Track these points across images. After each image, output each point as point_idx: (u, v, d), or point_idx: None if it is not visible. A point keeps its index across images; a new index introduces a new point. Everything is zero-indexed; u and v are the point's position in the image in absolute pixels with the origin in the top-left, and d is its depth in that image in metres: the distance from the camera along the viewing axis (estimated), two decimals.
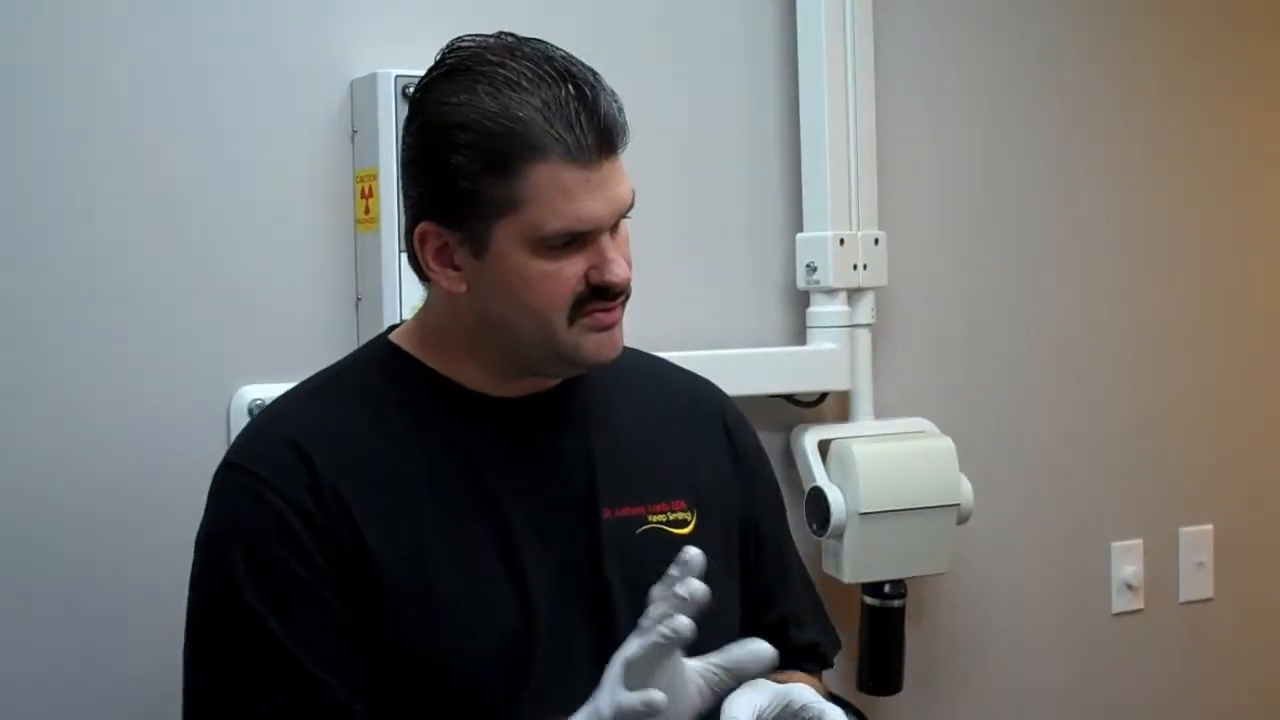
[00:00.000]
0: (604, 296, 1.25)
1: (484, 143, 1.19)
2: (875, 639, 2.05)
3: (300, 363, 1.46)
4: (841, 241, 2.02)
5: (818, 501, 1.99)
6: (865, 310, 2.06)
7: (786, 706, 1.23)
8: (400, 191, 1.30)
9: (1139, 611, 2.37)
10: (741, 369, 1.98)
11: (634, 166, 1.92)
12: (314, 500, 1.23)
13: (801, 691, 1.25)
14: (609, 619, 1.28)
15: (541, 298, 1.23)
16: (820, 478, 2.01)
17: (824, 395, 2.07)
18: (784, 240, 2.07)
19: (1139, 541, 2.37)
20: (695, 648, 1.32)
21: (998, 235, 2.24)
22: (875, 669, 2.06)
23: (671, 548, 1.30)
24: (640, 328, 1.91)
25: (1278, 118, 2.49)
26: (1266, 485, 2.48)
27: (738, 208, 2.05)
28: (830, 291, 2.03)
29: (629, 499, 1.34)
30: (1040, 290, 2.27)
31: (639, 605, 1.27)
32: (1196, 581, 2.43)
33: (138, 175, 1.68)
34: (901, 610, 2.04)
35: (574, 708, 1.21)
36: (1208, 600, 2.43)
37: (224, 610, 1.23)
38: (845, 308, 2.03)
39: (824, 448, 2.04)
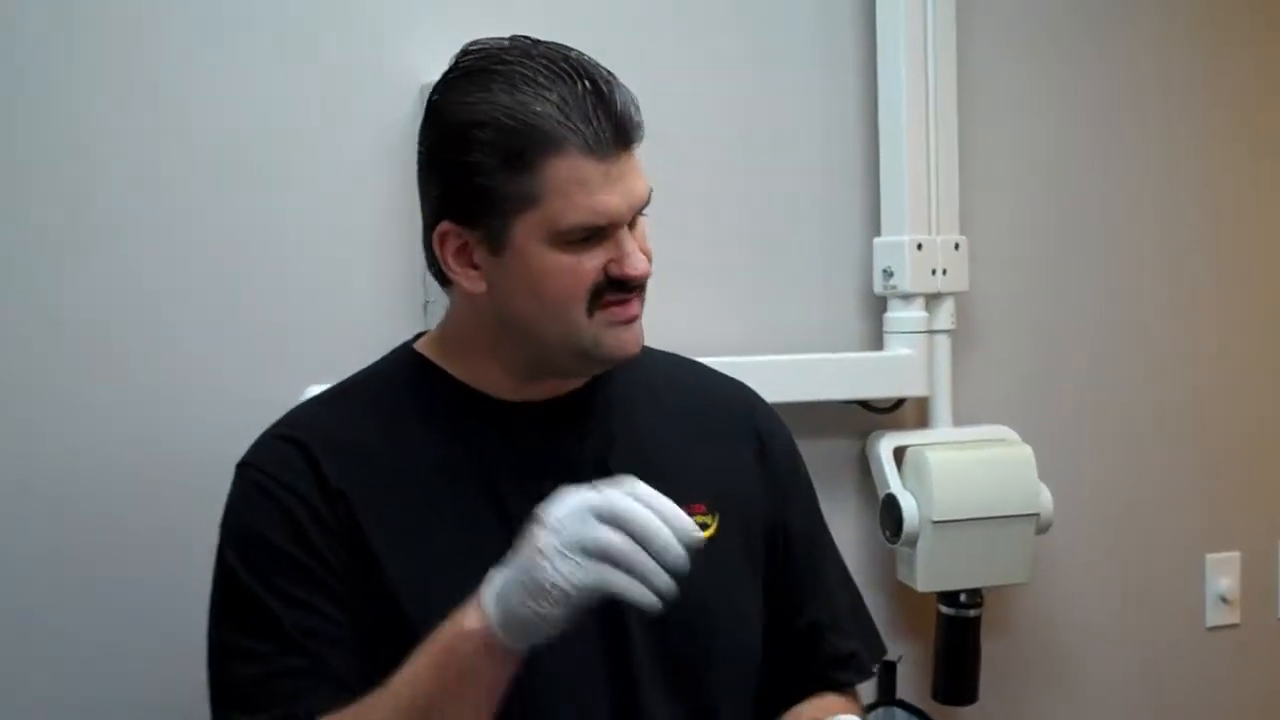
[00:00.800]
0: (622, 289, 1.26)
1: (501, 139, 1.21)
2: (950, 648, 2.03)
3: (367, 364, 1.50)
4: (919, 246, 1.99)
5: (891, 509, 1.98)
6: (945, 316, 2.03)
7: None
8: (420, 195, 1.31)
9: (1235, 626, 2.31)
10: (816, 374, 1.98)
11: (710, 169, 1.96)
12: (322, 500, 1.26)
13: None
14: (620, 623, 1.28)
15: (560, 291, 1.24)
16: (895, 484, 1.99)
17: (900, 401, 2.05)
18: (862, 245, 2.05)
19: (1236, 554, 2.30)
20: (709, 648, 1.33)
21: (1083, 240, 2.19)
22: (949, 678, 2.04)
23: (691, 554, 1.31)
24: (714, 331, 1.96)
25: None
26: None
27: (815, 211, 2.04)
28: (907, 297, 2.01)
29: None
30: (1127, 295, 2.22)
31: (655, 617, 1.28)
32: None
33: (220, 181, 1.74)
34: (978, 620, 2.02)
35: (581, 711, 1.25)
36: None
37: (232, 596, 1.27)
38: (923, 313, 2.01)
39: (900, 455, 2.02)
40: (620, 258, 1.25)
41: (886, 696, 2.07)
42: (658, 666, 1.31)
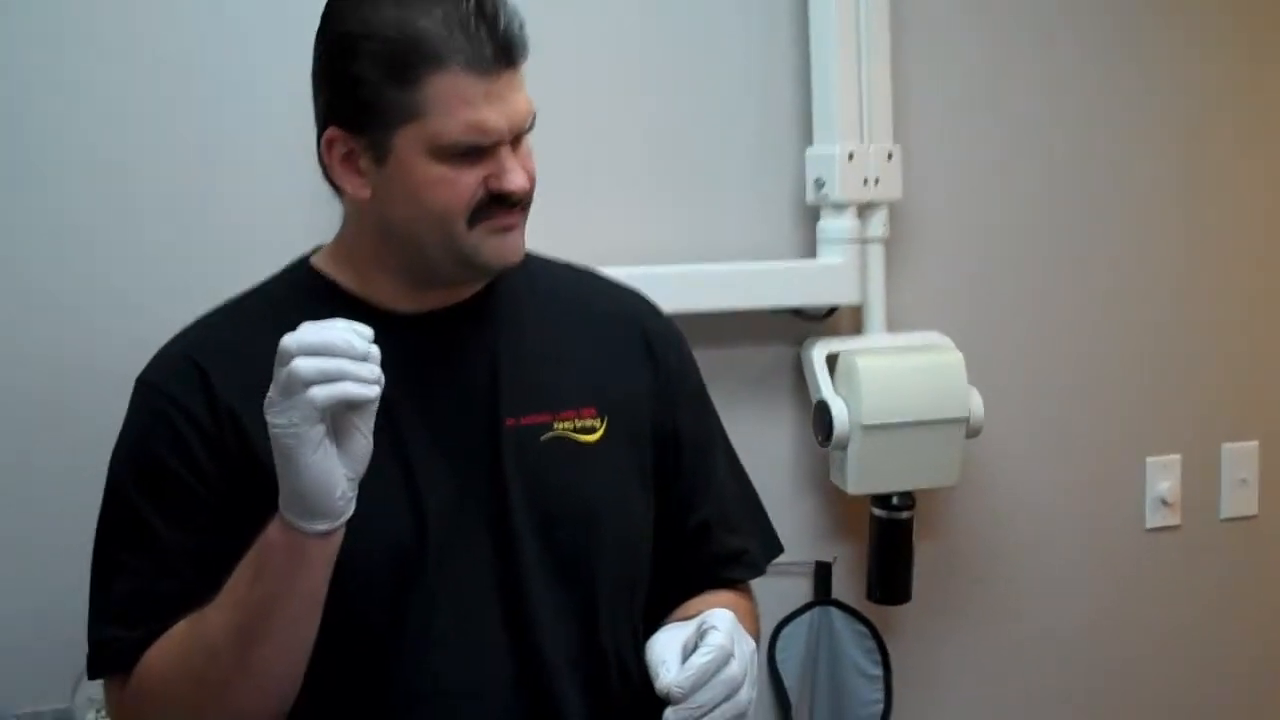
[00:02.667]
0: (503, 204, 1.30)
1: (386, 51, 1.24)
2: (883, 550, 2.08)
3: None
4: (851, 156, 2.02)
5: (822, 414, 2.02)
6: (878, 224, 2.06)
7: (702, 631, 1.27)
8: (313, 101, 1.34)
9: (1175, 528, 2.35)
10: (750, 283, 2.02)
11: (642, 80, 1.99)
12: (207, 410, 1.30)
13: (713, 615, 1.28)
14: (507, 525, 1.32)
15: (440, 203, 1.28)
16: (826, 390, 2.03)
17: (834, 309, 2.09)
18: (795, 154, 2.07)
19: (1177, 457, 2.34)
20: (595, 542, 1.38)
21: (1017, 148, 2.20)
22: (883, 579, 2.09)
23: (577, 456, 1.36)
24: (649, 240, 2.00)
25: None
26: None
27: (748, 122, 2.06)
28: (838, 206, 2.03)
29: (534, 407, 1.38)
30: (1061, 202, 2.23)
31: (539, 511, 1.33)
32: (1240, 498, 2.38)
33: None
34: (909, 522, 2.07)
35: (469, 608, 1.28)
36: (1251, 517, 2.39)
37: (113, 505, 1.33)
38: (855, 222, 2.04)
39: (833, 361, 2.06)
40: (500, 174, 1.28)
41: (822, 596, 2.13)
42: (544, 559, 1.35)
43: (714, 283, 2.00)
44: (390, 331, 1.33)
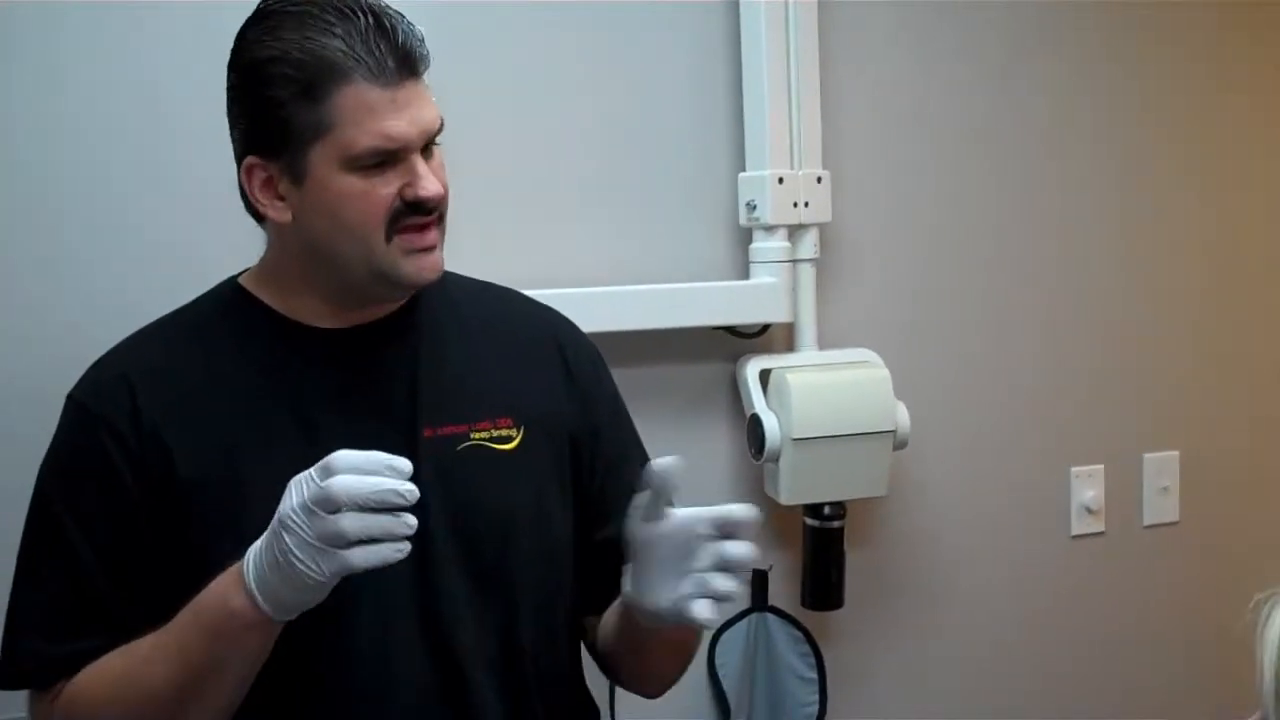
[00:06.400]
0: (418, 212, 1.36)
1: (293, 73, 1.31)
2: (816, 557, 2.17)
3: None
4: (780, 180, 2.11)
5: (755, 428, 2.11)
6: (808, 245, 2.15)
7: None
8: (230, 133, 1.41)
9: (1100, 535, 2.44)
10: (685, 302, 2.10)
11: (580, 107, 2.07)
12: (131, 428, 1.36)
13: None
14: (425, 532, 1.35)
15: (357, 216, 1.34)
16: (759, 405, 2.12)
17: (766, 328, 2.17)
18: (729, 179, 2.16)
19: (1100, 467, 2.43)
20: (512, 551, 1.44)
21: (948, 170, 2.30)
22: (816, 586, 2.17)
23: (494, 463, 1.42)
24: (588, 263, 2.08)
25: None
26: (1233, 412, 2.51)
27: (684, 147, 2.14)
28: (770, 228, 2.12)
29: (451, 417, 1.44)
30: (992, 222, 2.33)
31: (457, 518, 1.39)
32: (1161, 506, 2.48)
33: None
34: (841, 531, 2.15)
35: (388, 615, 1.35)
36: (1173, 524, 2.49)
37: (37, 518, 1.39)
38: (785, 243, 2.13)
39: (766, 377, 2.14)
40: (414, 181, 1.35)
41: (759, 603, 2.21)
42: (463, 566, 1.41)
43: (651, 303, 2.08)
44: (313, 347, 1.41)
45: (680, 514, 1.32)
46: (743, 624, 2.20)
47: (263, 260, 1.48)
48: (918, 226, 2.29)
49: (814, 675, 2.21)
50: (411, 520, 1.22)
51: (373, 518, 1.20)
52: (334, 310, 1.43)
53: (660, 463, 1.31)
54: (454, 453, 1.43)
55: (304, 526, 1.20)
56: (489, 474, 1.43)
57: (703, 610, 1.29)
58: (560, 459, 1.51)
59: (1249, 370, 2.52)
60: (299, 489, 1.22)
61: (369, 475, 1.20)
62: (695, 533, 1.31)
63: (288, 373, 1.42)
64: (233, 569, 1.27)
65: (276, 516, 1.23)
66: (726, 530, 1.31)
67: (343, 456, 1.21)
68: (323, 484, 1.20)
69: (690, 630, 1.46)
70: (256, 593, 1.24)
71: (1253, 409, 2.53)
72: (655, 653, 1.51)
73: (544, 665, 1.47)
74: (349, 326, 1.44)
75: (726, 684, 2.18)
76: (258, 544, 1.25)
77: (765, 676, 2.21)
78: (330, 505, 1.19)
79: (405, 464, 1.22)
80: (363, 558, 1.21)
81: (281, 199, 1.37)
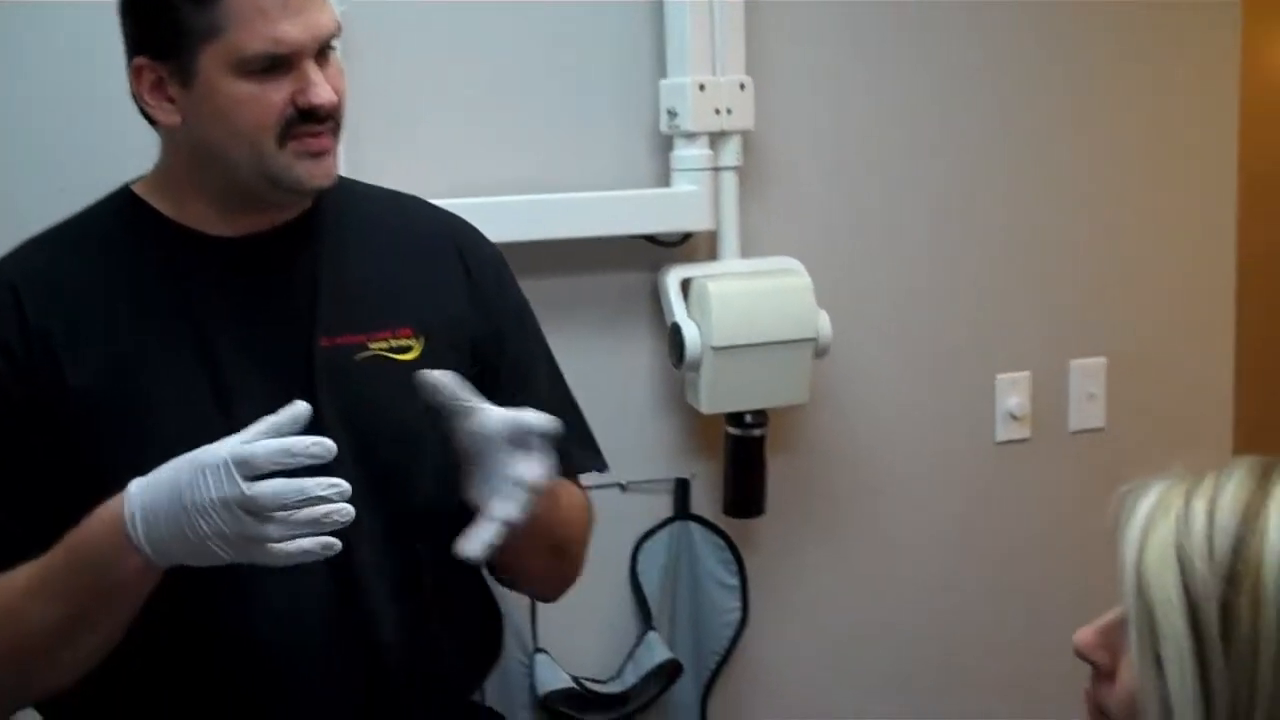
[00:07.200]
0: (311, 119, 1.34)
1: None
2: (737, 466, 2.18)
3: None
4: (701, 87, 2.08)
5: (676, 336, 2.10)
6: (730, 153, 2.13)
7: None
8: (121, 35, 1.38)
9: (1025, 441, 2.45)
10: (605, 211, 2.09)
11: (498, 14, 2.03)
12: (19, 337, 1.34)
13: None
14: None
15: (249, 121, 1.32)
16: (680, 314, 2.11)
17: (687, 236, 2.16)
18: (650, 86, 2.13)
19: (1027, 374, 2.44)
20: (415, 463, 1.44)
21: (872, 76, 2.27)
22: (738, 494, 2.19)
23: (393, 374, 1.41)
24: (508, 170, 2.06)
25: None
26: (1160, 319, 2.52)
27: (604, 54, 2.11)
28: (691, 135, 2.10)
29: (349, 327, 1.42)
30: (921, 130, 2.31)
31: (354, 430, 1.38)
32: (1088, 412, 2.49)
33: None
34: (762, 439, 2.16)
35: None
36: (1099, 430, 2.50)
37: None
38: (707, 151, 2.11)
39: (687, 287, 2.14)
40: (305, 88, 1.33)
41: (681, 512, 2.22)
42: (360, 477, 1.36)
43: (571, 212, 2.06)
44: (208, 256, 1.39)
45: (483, 415, 1.33)
46: (665, 532, 2.21)
47: (156, 167, 1.46)
48: (843, 134, 2.27)
49: (736, 582, 2.23)
50: (346, 511, 1.21)
51: (301, 515, 1.20)
52: (227, 216, 1.41)
53: (429, 374, 1.31)
54: (351, 363, 1.42)
55: (224, 523, 1.19)
56: (387, 385, 1.42)
57: (467, 546, 1.32)
58: (462, 367, 1.47)
59: (1175, 277, 2.52)
60: (216, 479, 1.19)
61: (294, 465, 1.19)
62: (490, 436, 1.32)
63: (182, 281, 1.40)
64: (110, 518, 1.24)
65: (187, 500, 1.19)
66: (518, 438, 1.32)
67: (263, 449, 1.18)
68: (248, 492, 1.18)
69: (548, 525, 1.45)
70: (149, 552, 1.23)
71: (1178, 315, 2.53)
72: (525, 554, 1.48)
73: (441, 575, 1.46)
74: (245, 234, 1.42)
75: (648, 592, 2.20)
76: (147, 504, 1.22)
77: (687, 585, 2.23)
78: (255, 508, 1.19)
79: (329, 445, 1.20)
80: (286, 557, 1.21)
81: (171, 101, 1.35)
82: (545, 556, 1.53)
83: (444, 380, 1.33)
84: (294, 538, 1.21)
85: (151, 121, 1.40)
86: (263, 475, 1.19)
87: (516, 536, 1.35)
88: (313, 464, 1.20)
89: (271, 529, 1.20)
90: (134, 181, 1.47)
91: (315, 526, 1.21)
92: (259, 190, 1.38)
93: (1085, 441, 2.50)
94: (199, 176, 1.40)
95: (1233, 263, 2.58)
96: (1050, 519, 2.48)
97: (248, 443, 1.20)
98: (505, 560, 1.47)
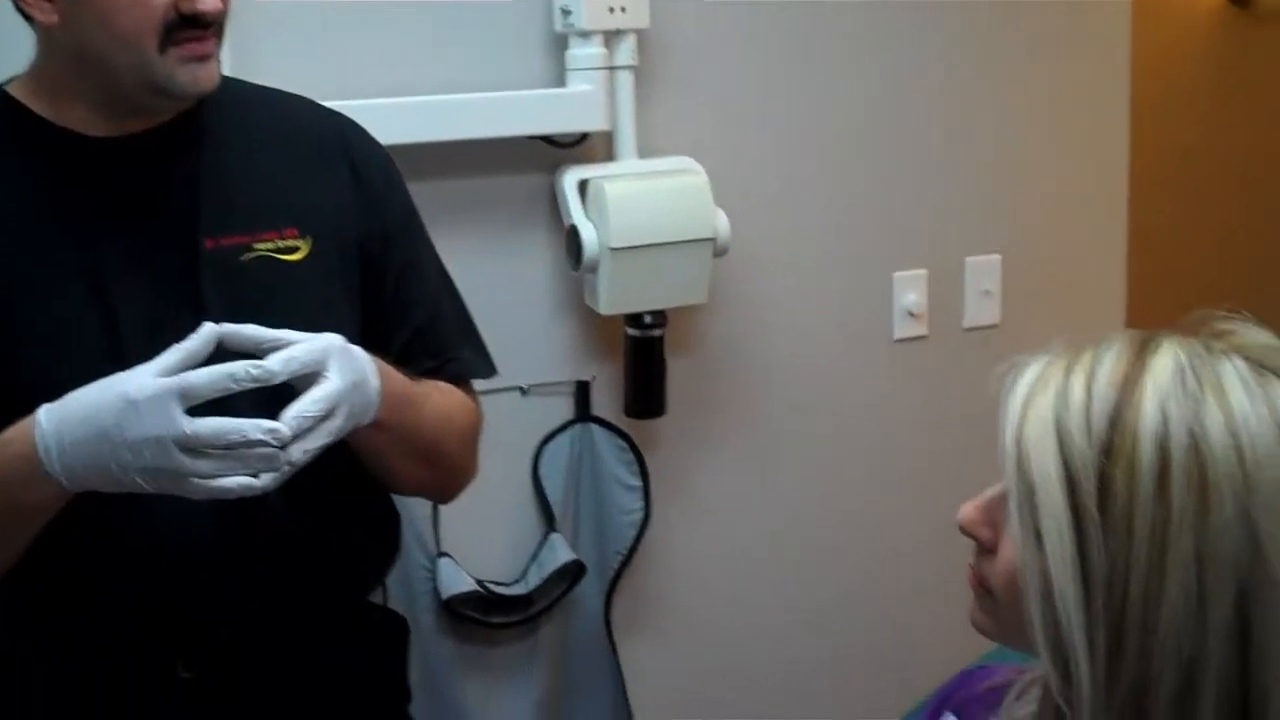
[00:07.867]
0: (194, 25, 1.31)
1: None
2: (637, 367, 2.18)
3: None
4: None
5: (573, 238, 2.09)
6: (626, 52, 2.11)
7: None
8: None
9: (922, 338, 2.48)
10: (498, 111, 2.06)
11: None
12: None
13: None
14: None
15: (129, 25, 1.29)
16: (577, 215, 2.10)
17: (584, 137, 2.14)
18: None
19: (924, 272, 2.46)
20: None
21: None
22: (638, 395, 2.19)
23: (279, 275, 1.40)
24: (399, 72, 2.02)
25: None
26: (1054, 217, 2.55)
27: None
28: (585, 34, 2.07)
29: (233, 228, 1.41)
30: (815, 24, 2.29)
31: None
32: (982, 309, 2.52)
33: None
34: (660, 340, 2.16)
35: None
36: (993, 326, 2.53)
37: None
38: (602, 50, 2.08)
39: (585, 188, 2.12)
40: None
41: (582, 414, 2.23)
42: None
43: (464, 113, 2.03)
44: (87, 158, 1.36)
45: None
46: (566, 434, 2.22)
47: (31, 66, 1.42)
48: (739, 33, 2.25)
49: (638, 483, 2.24)
50: (277, 458, 1.22)
51: (233, 454, 1.20)
52: (107, 118, 1.38)
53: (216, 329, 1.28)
54: (237, 264, 1.41)
55: (154, 458, 1.19)
56: (273, 286, 1.41)
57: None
58: (348, 268, 1.48)
59: (1070, 175, 2.55)
60: (152, 414, 1.18)
61: (236, 390, 1.20)
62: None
63: (65, 189, 1.37)
64: (21, 447, 1.23)
65: (115, 436, 1.19)
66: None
67: (206, 378, 1.19)
68: (189, 430, 1.18)
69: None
70: (64, 482, 1.23)
71: (1072, 213, 2.56)
72: (386, 456, 1.47)
73: (336, 473, 1.42)
74: (126, 135, 1.39)
75: (551, 494, 2.20)
76: (64, 435, 1.21)
77: (590, 486, 2.24)
78: (192, 444, 1.18)
79: (271, 369, 1.21)
80: (207, 492, 1.21)
81: (50, 0, 1.31)
82: (411, 459, 1.49)
83: (239, 331, 1.29)
84: (220, 476, 1.21)
85: (28, 19, 1.36)
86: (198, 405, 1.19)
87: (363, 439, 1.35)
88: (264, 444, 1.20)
89: (203, 464, 1.20)
90: (7, 82, 1.43)
91: (243, 464, 1.21)
92: (139, 95, 1.35)
93: (980, 338, 2.53)
94: (77, 79, 1.36)
95: (1125, 161, 2.60)
96: (946, 415, 2.51)
97: (173, 371, 1.19)
98: (368, 462, 1.46)
